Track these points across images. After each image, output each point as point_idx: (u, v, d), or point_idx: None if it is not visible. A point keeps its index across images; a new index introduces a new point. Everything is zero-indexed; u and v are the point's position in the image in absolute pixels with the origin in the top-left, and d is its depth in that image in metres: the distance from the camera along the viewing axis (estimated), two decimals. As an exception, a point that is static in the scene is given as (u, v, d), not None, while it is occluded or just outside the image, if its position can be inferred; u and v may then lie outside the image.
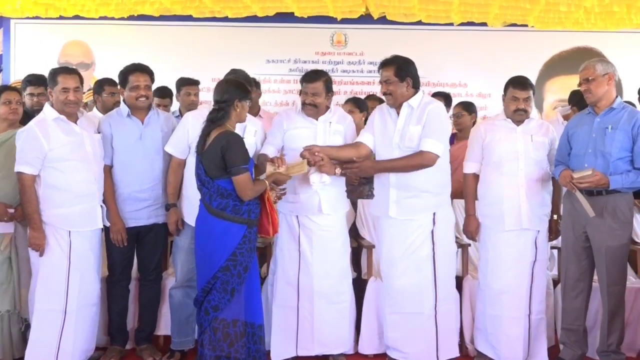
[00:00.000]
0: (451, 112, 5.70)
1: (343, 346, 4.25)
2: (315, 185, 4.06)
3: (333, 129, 4.19)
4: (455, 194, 4.41)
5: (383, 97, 4.22)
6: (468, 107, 5.60)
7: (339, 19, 7.53)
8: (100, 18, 7.40)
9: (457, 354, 4.20)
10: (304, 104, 4.19)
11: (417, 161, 3.99)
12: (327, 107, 4.22)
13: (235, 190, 3.65)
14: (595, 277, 4.11)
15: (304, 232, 4.15)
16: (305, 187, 4.10)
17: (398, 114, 4.09)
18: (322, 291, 4.14)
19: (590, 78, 4.00)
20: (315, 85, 4.14)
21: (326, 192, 4.12)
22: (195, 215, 3.94)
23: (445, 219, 4.14)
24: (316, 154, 3.95)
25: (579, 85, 4.10)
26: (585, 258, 4.06)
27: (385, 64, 4.11)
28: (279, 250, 4.23)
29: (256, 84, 5.59)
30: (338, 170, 4.03)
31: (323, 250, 4.15)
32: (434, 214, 4.06)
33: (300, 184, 4.11)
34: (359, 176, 4.08)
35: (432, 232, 4.06)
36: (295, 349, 4.18)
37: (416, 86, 4.10)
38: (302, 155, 3.96)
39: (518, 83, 4.22)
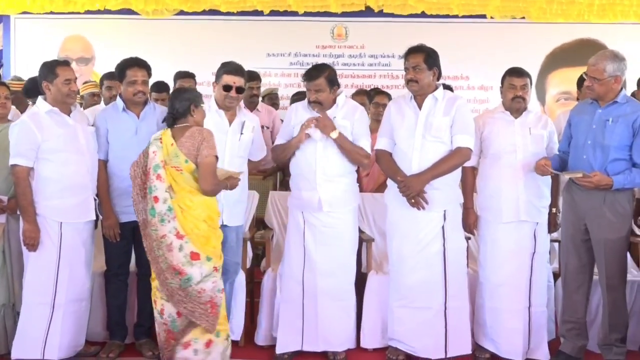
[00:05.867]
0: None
1: (347, 343, 4.22)
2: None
3: (337, 124, 4.09)
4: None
5: (406, 86, 4.13)
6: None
7: (339, 12, 7.49)
8: (100, 12, 7.38)
9: (468, 351, 4.15)
10: (308, 101, 4.14)
11: (457, 159, 4.01)
12: (334, 101, 4.14)
13: None
14: (596, 270, 4.07)
15: (308, 229, 4.12)
16: (306, 183, 4.07)
17: (419, 106, 4.07)
18: (325, 289, 4.11)
19: (598, 78, 3.88)
20: (318, 82, 4.06)
21: (326, 190, 4.07)
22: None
23: (456, 215, 4.13)
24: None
25: (585, 75, 3.98)
26: (585, 251, 4.02)
27: (414, 51, 4.08)
28: (287, 245, 4.22)
29: (253, 77, 5.59)
30: (334, 134, 4.00)
31: (327, 247, 4.10)
32: (445, 210, 4.05)
33: (302, 180, 4.07)
34: (408, 194, 3.96)
35: (443, 227, 4.05)
36: (300, 344, 4.15)
37: (438, 79, 4.10)
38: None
39: (514, 71, 4.24)
